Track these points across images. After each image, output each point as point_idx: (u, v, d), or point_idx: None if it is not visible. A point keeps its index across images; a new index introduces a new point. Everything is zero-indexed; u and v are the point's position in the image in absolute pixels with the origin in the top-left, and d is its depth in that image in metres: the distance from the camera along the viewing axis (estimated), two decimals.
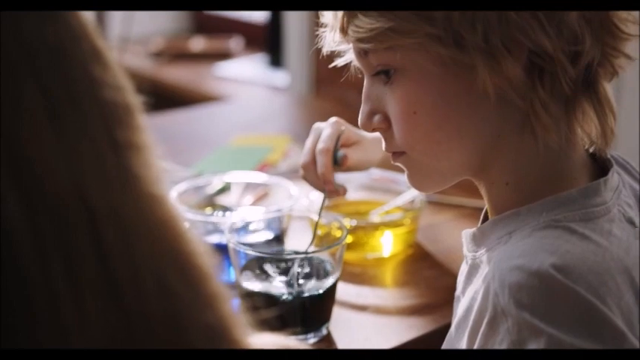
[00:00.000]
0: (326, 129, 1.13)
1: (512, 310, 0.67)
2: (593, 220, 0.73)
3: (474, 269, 0.79)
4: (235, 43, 3.21)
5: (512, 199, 0.77)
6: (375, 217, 1.27)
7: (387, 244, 1.23)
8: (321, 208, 1.08)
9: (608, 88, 0.77)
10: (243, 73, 2.88)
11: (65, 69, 0.49)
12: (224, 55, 3.05)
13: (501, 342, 0.68)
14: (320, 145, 1.11)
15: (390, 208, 1.29)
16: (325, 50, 0.84)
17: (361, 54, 0.80)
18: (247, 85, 2.78)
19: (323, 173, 1.10)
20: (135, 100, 0.53)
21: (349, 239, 1.18)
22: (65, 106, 0.48)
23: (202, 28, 3.46)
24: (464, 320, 0.75)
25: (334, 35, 0.81)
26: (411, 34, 0.73)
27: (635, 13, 0.75)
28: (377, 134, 0.83)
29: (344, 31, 0.79)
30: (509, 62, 0.71)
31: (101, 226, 0.48)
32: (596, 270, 0.68)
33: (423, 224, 1.29)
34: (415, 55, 0.75)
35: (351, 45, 0.81)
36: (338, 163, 1.11)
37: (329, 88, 2.57)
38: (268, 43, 2.95)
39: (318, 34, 0.85)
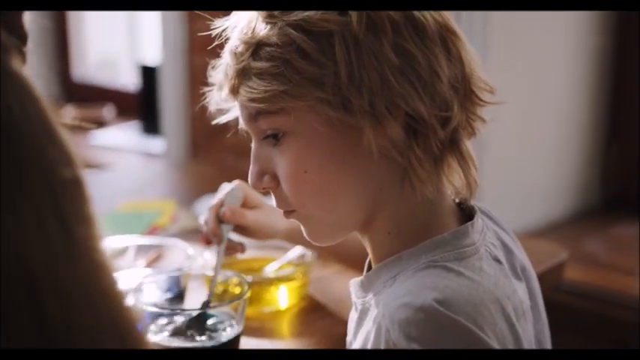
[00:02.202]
0: (222, 190, 1.19)
1: (403, 343, 0.74)
2: (465, 259, 0.81)
3: (363, 314, 0.85)
4: (107, 111, 3.22)
5: (394, 246, 0.85)
6: (269, 273, 1.32)
7: (282, 298, 1.28)
8: (217, 263, 1.12)
9: (469, 145, 0.87)
10: (118, 141, 2.89)
11: (15, 147, 0.51)
12: (97, 124, 3.05)
13: None
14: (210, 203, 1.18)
15: (282, 263, 1.34)
16: (211, 109, 0.89)
17: (251, 118, 0.85)
18: (123, 152, 2.79)
19: (210, 228, 1.16)
20: (82, 173, 0.55)
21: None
22: (13, 183, 0.50)
23: (72, 96, 3.44)
24: None
25: (221, 94, 0.86)
26: (303, 97, 0.80)
27: (491, 83, 0.87)
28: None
29: (235, 91, 0.84)
30: (391, 124, 0.79)
31: (43, 295, 0.50)
32: (472, 301, 0.77)
33: (313, 277, 1.35)
34: (305, 116, 0.81)
35: (235, 104, 0.87)
36: (220, 219, 1.17)
37: (206, 152, 2.62)
38: (142, 111, 2.97)
39: (203, 93, 0.90)
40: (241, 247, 1.18)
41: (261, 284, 1.26)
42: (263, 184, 0.87)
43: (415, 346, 0.74)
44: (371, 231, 0.88)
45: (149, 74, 2.85)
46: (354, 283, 0.89)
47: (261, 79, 0.81)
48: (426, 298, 0.75)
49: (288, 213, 0.88)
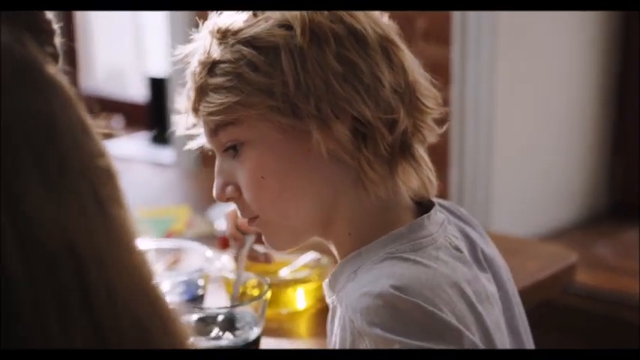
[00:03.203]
0: None
1: (366, 329, 0.79)
2: (422, 249, 0.86)
3: (334, 311, 0.89)
4: (116, 122, 3.24)
5: (354, 246, 0.89)
6: (286, 275, 1.34)
7: (300, 299, 1.31)
8: (239, 266, 1.14)
9: (422, 150, 0.92)
10: (128, 151, 2.92)
11: (56, 136, 0.55)
12: (105, 135, 3.08)
13: None
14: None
15: (298, 266, 1.37)
16: (179, 133, 0.95)
17: (212, 133, 0.91)
18: (133, 163, 2.81)
19: (230, 233, 1.18)
20: (113, 163, 0.60)
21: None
22: (55, 169, 0.54)
23: None
24: None
25: (188, 118, 0.92)
26: (255, 106, 0.86)
27: (434, 90, 0.92)
28: None
29: (196, 109, 0.90)
30: (338, 127, 0.85)
31: (87, 271, 0.54)
32: (429, 285, 0.81)
33: None
34: (259, 125, 0.87)
35: (201, 129, 0.92)
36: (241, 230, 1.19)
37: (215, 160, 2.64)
38: (151, 121, 3.00)
39: (173, 121, 0.95)
40: (265, 258, 1.21)
41: (278, 286, 1.29)
42: (226, 194, 0.92)
43: (378, 331, 0.78)
44: (332, 234, 0.92)
45: (158, 85, 2.88)
46: (324, 284, 0.93)
47: (217, 93, 0.87)
48: (384, 285, 0.80)
49: (252, 220, 0.93)
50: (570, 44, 2.28)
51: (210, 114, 0.88)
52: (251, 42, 0.87)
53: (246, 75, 0.86)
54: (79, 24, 3.58)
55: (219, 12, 0.92)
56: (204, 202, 1.87)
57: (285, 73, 0.85)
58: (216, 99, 0.87)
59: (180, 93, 0.94)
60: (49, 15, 0.70)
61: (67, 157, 0.55)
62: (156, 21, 3.18)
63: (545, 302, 1.52)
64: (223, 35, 0.89)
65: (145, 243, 1.36)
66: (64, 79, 0.60)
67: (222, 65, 0.87)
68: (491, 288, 0.90)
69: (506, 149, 2.20)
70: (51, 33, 0.70)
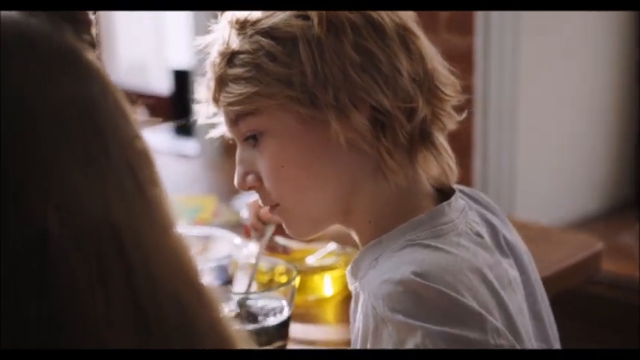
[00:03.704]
0: None
1: (389, 316, 0.79)
2: (442, 236, 0.86)
3: (357, 299, 0.90)
4: (139, 114, 3.26)
5: (376, 233, 0.90)
6: (313, 262, 1.36)
7: (327, 286, 1.32)
8: (257, 256, 1.16)
9: (442, 137, 0.93)
10: (151, 143, 2.93)
11: (94, 119, 0.57)
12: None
13: (386, 346, 0.79)
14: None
15: (324, 253, 1.38)
16: (200, 123, 0.97)
17: (232, 122, 0.92)
18: (157, 154, 2.83)
19: (251, 223, 1.20)
20: (150, 148, 0.61)
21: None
22: (96, 153, 0.56)
23: None
24: (355, 343, 0.86)
25: (208, 107, 0.94)
26: (273, 96, 0.87)
27: (453, 78, 0.93)
28: None
29: (216, 100, 0.91)
30: (356, 116, 0.86)
31: (128, 251, 0.55)
32: (450, 271, 0.82)
33: None
34: (278, 114, 0.88)
35: (222, 119, 0.94)
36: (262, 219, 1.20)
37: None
38: (174, 113, 3.02)
39: (195, 111, 0.96)
40: (284, 249, 1.22)
41: (305, 273, 1.30)
42: (247, 183, 0.93)
43: (400, 317, 0.78)
44: (353, 222, 0.93)
45: (181, 77, 2.90)
46: (347, 271, 0.94)
47: (236, 83, 0.88)
48: (404, 271, 0.80)
49: (272, 208, 0.94)
50: (594, 33, 2.28)
51: (230, 104, 0.89)
52: (269, 32, 0.87)
53: (265, 65, 0.87)
54: (102, 17, 3.61)
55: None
56: (229, 191, 1.88)
57: (303, 63, 0.86)
58: (235, 89, 0.88)
59: (201, 83, 0.95)
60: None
61: (107, 141, 0.57)
62: (178, 13, 3.19)
63: (569, 290, 1.52)
64: (242, 26, 0.89)
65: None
66: (101, 66, 0.61)
67: (241, 56, 0.88)
68: (514, 273, 0.91)
69: (530, 138, 2.20)
70: (88, 23, 0.72)
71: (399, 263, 0.83)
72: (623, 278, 1.95)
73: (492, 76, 2.16)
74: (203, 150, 2.73)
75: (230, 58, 0.89)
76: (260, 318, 1.08)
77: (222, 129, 0.96)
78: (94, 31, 0.74)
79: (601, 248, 1.58)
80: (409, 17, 0.91)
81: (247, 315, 1.08)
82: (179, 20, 3.14)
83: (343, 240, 1.28)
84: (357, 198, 0.90)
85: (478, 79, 2.17)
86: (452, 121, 0.93)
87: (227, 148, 2.85)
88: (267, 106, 0.88)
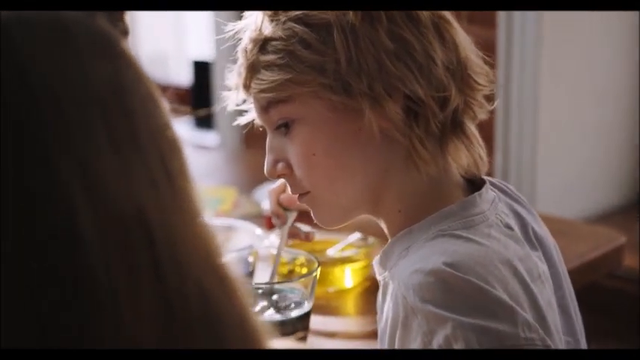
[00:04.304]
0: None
1: (419, 306, 0.78)
2: (474, 227, 0.86)
3: (385, 289, 0.89)
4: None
5: (405, 223, 0.89)
6: (333, 254, 1.36)
7: (347, 278, 1.32)
8: (280, 243, 1.16)
9: (473, 127, 0.91)
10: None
11: (126, 105, 0.56)
12: None
13: (416, 337, 0.79)
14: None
15: (344, 245, 1.38)
16: (229, 109, 0.96)
17: (263, 110, 0.91)
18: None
19: (272, 211, 1.20)
20: (179, 136, 0.61)
21: None
22: (126, 139, 0.56)
23: None
24: (384, 334, 0.86)
25: (238, 94, 0.93)
26: (307, 83, 0.86)
27: (486, 67, 0.92)
28: None
29: (247, 86, 0.90)
30: (390, 105, 0.85)
31: (156, 239, 0.55)
32: (481, 262, 0.81)
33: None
34: (311, 102, 0.87)
35: (251, 104, 0.93)
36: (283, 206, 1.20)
37: (261, 142, 2.66)
38: (195, 105, 3.03)
39: (222, 97, 0.96)
40: (307, 235, 1.21)
41: (326, 265, 1.30)
42: (278, 171, 0.93)
43: (430, 308, 0.77)
44: (382, 211, 0.92)
45: (202, 68, 2.90)
46: (375, 261, 0.94)
47: (268, 70, 0.88)
48: (436, 262, 0.80)
49: (302, 196, 0.94)
50: (616, 27, 2.26)
51: (262, 91, 0.89)
52: (303, 19, 0.87)
53: (299, 52, 0.86)
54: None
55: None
56: (249, 183, 1.89)
57: (337, 51, 0.85)
58: (267, 76, 0.88)
59: (230, 69, 0.94)
60: None
61: (138, 128, 0.56)
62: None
63: (590, 284, 1.51)
64: (275, 13, 0.89)
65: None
66: (134, 53, 0.61)
67: (273, 42, 0.88)
68: (543, 266, 0.90)
69: (551, 132, 2.19)
70: (121, 11, 0.72)
71: (430, 253, 0.82)
72: None
73: (514, 68, 2.15)
74: (223, 141, 2.74)
75: (262, 44, 0.88)
76: (283, 309, 1.08)
77: (250, 116, 0.95)
78: (126, 19, 0.73)
79: (624, 242, 1.57)
80: None
81: (271, 305, 1.08)
82: (199, 12, 3.15)
83: (366, 230, 1.27)
84: (387, 187, 0.90)
85: (500, 72, 2.16)
86: (483, 110, 0.92)
87: (247, 140, 2.86)
88: (299, 93, 0.87)
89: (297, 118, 0.89)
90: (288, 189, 1.20)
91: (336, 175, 0.90)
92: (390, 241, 0.91)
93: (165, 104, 0.61)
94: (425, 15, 0.87)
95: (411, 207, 0.90)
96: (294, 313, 1.08)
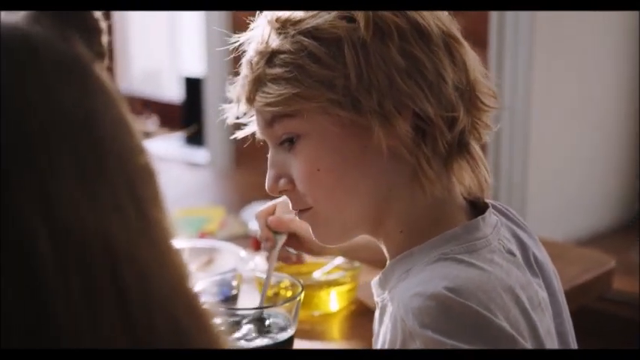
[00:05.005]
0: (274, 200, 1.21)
1: (417, 331, 0.76)
2: (476, 252, 0.84)
3: (383, 310, 0.88)
4: (151, 122, 3.26)
5: (406, 244, 0.88)
6: (319, 277, 1.34)
7: (333, 301, 1.30)
8: (270, 266, 1.14)
9: (478, 148, 0.90)
10: (163, 151, 2.93)
11: (94, 131, 0.55)
12: (142, 135, 3.10)
13: None
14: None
15: (331, 268, 1.36)
16: (228, 122, 0.94)
17: (267, 124, 0.89)
18: (167, 162, 2.82)
19: (262, 234, 1.18)
20: (152, 162, 0.59)
21: None
22: (93, 165, 0.54)
23: None
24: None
25: (239, 107, 0.91)
26: (315, 99, 0.84)
27: (493, 88, 0.90)
28: None
29: (251, 99, 0.88)
30: (400, 123, 0.83)
31: (122, 269, 0.54)
32: (483, 289, 0.79)
33: (361, 281, 1.36)
34: (318, 118, 0.85)
35: (252, 118, 0.91)
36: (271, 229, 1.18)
37: (251, 161, 2.64)
38: (186, 122, 3.02)
39: (221, 109, 0.94)
40: (298, 257, 1.20)
41: (311, 288, 1.28)
42: (279, 187, 0.91)
43: (429, 333, 0.75)
44: (383, 231, 0.91)
45: (193, 85, 2.89)
46: (374, 282, 0.92)
47: (275, 84, 0.86)
48: (437, 286, 0.78)
49: (302, 212, 0.92)
50: (608, 45, 2.25)
51: (268, 105, 0.86)
52: (312, 33, 0.84)
53: (307, 67, 0.84)
54: (116, 25, 3.61)
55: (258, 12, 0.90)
56: (238, 202, 1.87)
57: (347, 67, 0.83)
58: (274, 90, 0.85)
59: (232, 81, 0.92)
60: (97, 13, 0.70)
61: (106, 154, 0.55)
62: (191, 22, 3.19)
63: (580, 307, 1.50)
64: (282, 25, 0.86)
65: (179, 243, 1.36)
66: (108, 77, 0.60)
67: (281, 56, 0.85)
68: (543, 293, 0.88)
69: (543, 153, 2.18)
70: (98, 31, 0.70)
71: (432, 277, 0.80)
72: (633, 296, 1.92)
73: (505, 90, 2.14)
74: (213, 159, 2.72)
75: (270, 57, 0.86)
76: (266, 333, 1.06)
77: (248, 130, 0.93)
78: (104, 40, 0.72)
79: (614, 266, 1.56)
80: (453, 25, 0.89)
81: (255, 330, 1.06)
82: (193, 28, 3.14)
83: (352, 255, 1.26)
84: (390, 206, 0.88)
85: None
86: (488, 132, 0.90)
87: (238, 158, 2.85)
88: (306, 108, 0.85)
89: (302, 133, 0.87)
90: (277, 211, 1.19)
91: (339, 192, 0.88)
92: (389, 262, 0.89)
93: (138, 129, 0.59)
94: (436, 33, 0.85)
95: (413, 228, 0.88)
96: (278, 338, 1.06)
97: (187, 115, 2.98)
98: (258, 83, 0.87)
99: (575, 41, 2.19)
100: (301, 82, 0.84)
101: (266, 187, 0.92)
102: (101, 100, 0.56)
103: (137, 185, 0.56)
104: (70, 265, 0.52)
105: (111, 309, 0.53)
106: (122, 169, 0.56)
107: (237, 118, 0.93)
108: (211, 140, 2.74)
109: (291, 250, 1.21)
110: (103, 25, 0.69)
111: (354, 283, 1.33)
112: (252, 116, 0.92)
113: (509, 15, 2.10)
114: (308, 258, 1.25)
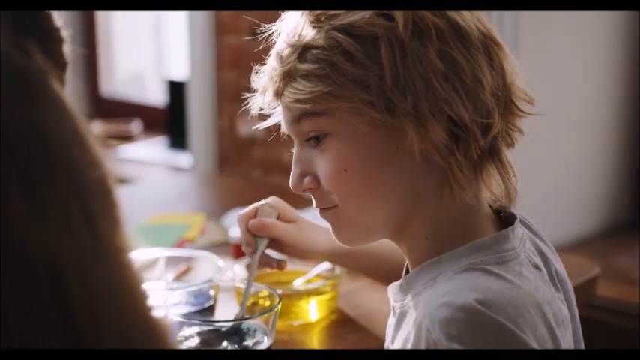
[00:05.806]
0: (257, 204, 1.19)
1: (443, 342, 0.73)
2: (506, 263, 0.81)
3: (402, 316, 0.85)
4: (135, 126, 3.24)
5: (432, 250, 0.85)
6: (299, 286, 1.32)
7: (312, 311, 1.28)
8: (250, 274, 1.12)
9: (509, 155, 0.87)
10: (146, 155, 2.91)
11: (44, 147, 0.53)
12: (125, 139, 3.08)
13: None
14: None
15: (311, 276, 1.34)
16: (253, 113, 0.91)
17: (294, 120, 0.86)
18: (150, 166, 2.80)
19: (243, 239, 1.16)
20: (110, 177, 0.57)
21: None
22: (42, 183, 0.52)
23: (100, 112, 3.47)
24: None
25: (264, 98, 0.88)
26: (347, 98, 0.81)
27: (530, 94, 0.88)
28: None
29: (279, 93, 0.85)
30: (434, 128, 0.80)
31: (69, 291, 0.51)
32: (513, 303, 0.76)
33: (342, 290, 1.34)
34: (348, 118, 0.82)
35: (276, 109, 0.88)
36: (252, 233, 1.17)
37: (233, 167, 2.62)
38: (169, 126, 2.99)
39: (246, 98, 0.91)
40: (279, 264, 1.17)
41: (290, 297, 1.26)
42: (304, 185, 0.88)
43: (455, 346, 0.73)
44: (407, 236, 0.88)
45: (177, 89, 2.87)
46: (392, 286, 0.89)
47: (306, 80, 0.82)
48: (467, 297, 0.75)
49: (325, 211, 0.89)
50: (594, 50, 2.24)
51: (297, 101, 0.83)
52: (347, 29, 0.81)
53: (341, 64, 0.81)
54: (100, 28, 3.58)
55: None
56: (219, 209, 1.85)
57: (383, 67, 0.80)
58: (305, 86, 0.82)
59: (258, 71, 0.89)
60: (59, 22, 0.68)
61: (56, 170, 0.54)
62: (176, 25, 3.17)
63: None
64: (317, 18, 0.83)
65: (154, 252, 1.34)
66: (63, 91, 0.58)
67: (314, 51, 0.82)
68: (565, 309, 0.86)
69: (528, 158, 2.17)
70: (60, 41, 0.68)
71: (461, 287, 0.77)
72: (619, 302, 1.91)
73: None
74: (197, 163, 2.70)
75: (302, 51, 0.83)
76: (240, 345, 1.04)
77: (271, 121, 0.90)
78: (66, 49, 0.70)
79: (598, 273, 1.54)
80: (492, 27, 0.86)
81: (228, 342, 1.04)
82: (177, 31, 3.12)
83: (344, 260, 1.23)
84: (417, 211, 0.85)
85: None
86: (519, 137, 0.88)
87: (221, 162, 2.83)
88: (337, 107, 0.82)
89: (331, 132, 0.84)
90: (258, 214, 1.17)
91: (366, 193, 0.85)
92: (414, 269, 0.86)
93: (95, 143, 0.58)
94: (475, 36, 0.82)
95: (439, 234, 0.86)
96: (253, 350, 1.04)
97: (171, 119, 2.96)
98: (287, 77, 0.84)
99: (560, 46, 2.18)
100: (334, 79, 0.81)
101: (290, 185, 0.89)
102: (53, 115, 0.54)
103: (90, 202, 0.54)
104: (14, 287, 0.50)
105: (55, 329, 0.51)
106: (74, 187, 0.54)
107: (261, 109, 0.90)
108: (195, 145, 2.72)
109: (273, 254, 1.19)
110: (65, 34, 0.67)
111: (334, 292, 1.31)
112: (274, 108, 0.89)
113: (494, 15, 2.09)
114: (289, 265, 1.23)
